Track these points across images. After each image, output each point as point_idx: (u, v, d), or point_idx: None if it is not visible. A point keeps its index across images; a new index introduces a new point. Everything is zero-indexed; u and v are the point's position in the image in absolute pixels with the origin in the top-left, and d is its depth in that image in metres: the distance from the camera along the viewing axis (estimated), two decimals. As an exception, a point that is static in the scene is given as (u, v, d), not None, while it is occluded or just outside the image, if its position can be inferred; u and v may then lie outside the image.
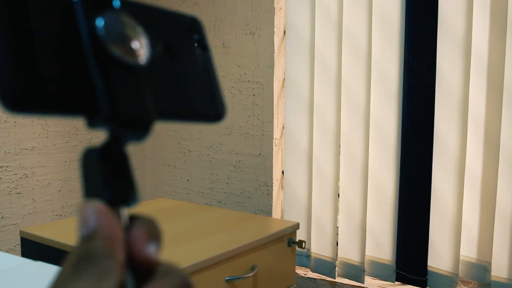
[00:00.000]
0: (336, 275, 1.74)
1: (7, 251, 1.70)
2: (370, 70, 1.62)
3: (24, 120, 1.72)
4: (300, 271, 1.83)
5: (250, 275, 1.28)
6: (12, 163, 1.70)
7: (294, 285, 1.49)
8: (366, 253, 1.68)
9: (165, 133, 2.12)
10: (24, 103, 0.21)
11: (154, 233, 0.24)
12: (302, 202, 1.80)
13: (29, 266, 0.84)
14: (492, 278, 1.47)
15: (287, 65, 1.80)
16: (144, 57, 0.25)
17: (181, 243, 1.26)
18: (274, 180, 1.83)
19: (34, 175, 1.77)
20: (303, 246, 1.52)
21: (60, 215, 1.86)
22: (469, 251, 1.52)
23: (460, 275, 1.54)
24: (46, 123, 1.79)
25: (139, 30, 0.26)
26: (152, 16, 0.27)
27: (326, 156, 1.73)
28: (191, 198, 2.05)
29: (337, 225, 1.74)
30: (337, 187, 1.73)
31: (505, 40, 1.40)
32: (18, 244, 1.70)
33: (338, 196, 1.73)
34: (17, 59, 0.21)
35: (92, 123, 0.24)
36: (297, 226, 1.49)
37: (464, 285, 1.57)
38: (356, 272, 1.69)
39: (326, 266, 1.75)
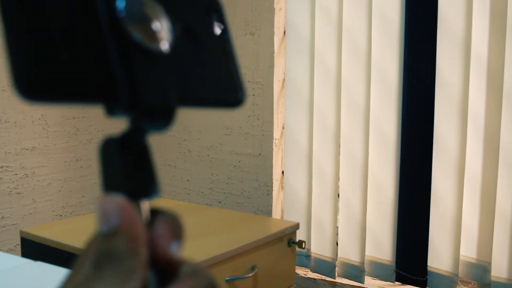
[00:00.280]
0: (336, 275, 1.74)
1: (7, 251, 1.70)
2: (370, 70, 1.62)
3: (25, 120, 1.72)
4: (300, 271, 1.83)
5: (250, 275, 1.28)
6: (13, 163, 1.70)
7: (294, 285, 1.49)
8: (366, 253, 1.68)
9: (165, 133, 2.12)
10: (40, 90, 0.20)
11: (177, 231, 0.24)
12: (302, 202, 1.80)
13: (29, 266, 0.84)
14: (492, 278, 1.47)
15: (287, 65, 1.80)
16: (165, 40, 0.24)
17: (181, 243, 1.26)
18: (274, 180, 1.83)
19: (34, 175, 1.77)
20: (303, 246, 1.52)
21: (60, 215, 1.86)
22: (469, 251, 1.52)
23: (460, 275, 1.54)
24: (46, 123, 1.79)
25: (161, 12, 0.24)
26: None
27: (326, 156, 1.73)
28: (191, 198, 2.05)
29: (337, 225, 1.74)
30: (337, 187, 1.73)
31: (505, 41, 1.40)
32: (18, 244, 1.70)
33: (338, 196, 1.73)
34: (32, 44, 0.20)
35: (111, 112, 0.23)
36: (297, 226, 1.49)
37: (464, 285, 1.57)
38: (356, 272, 1.69)
39: (326, 266, 1.75)
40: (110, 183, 0.23)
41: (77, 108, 1.87)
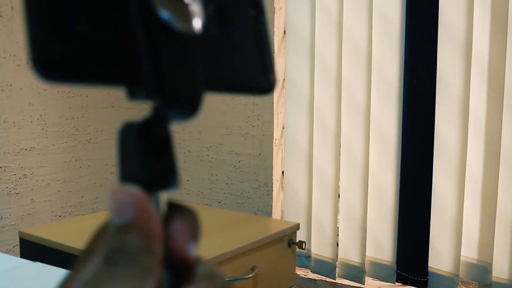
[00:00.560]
0: (336, 276, 1.74)
1: (6, 252, 1.69)
2: (370, 70, 1.61)
3: (23, 120, 1.72)
4: (300, 272, 1.82)
5: (250, 276, 1.27)
6: (11, 164, 1.70)
7: (294, 286, 1.49)
8: (367, 253, 1.67)
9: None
10: (59, 70, 0.19)
11: (195, 228, 0.22)
12: (302, 202, 1.80)
13: (28, 267, 0.83)
14: (493, 279, 1.47)
15: (287, 65, 1.80)
16: (196, 22, 0.22)
17: (181, 243, 1.26)
18: (274, 181, 1.83)
19: (33, 175, 1.76)
20: (303, 247, 1.52)
21: (59, 216, 1.86)
22: (469, 252, 1.52)
23: (461, 276, 1.54)
24: (45, 123, 1.78)
25: None
26: None
27: (326, 157, 1.73)
28: (191, 198, 2.05)
29: (337, 226, 1.74)
30: (337, 188, 1.73)
31: (506, 41, 1.39)
32: (17, 245, 1.69)
33: (338, 197, 1.73)
34: (52, 21, 0.19)
35: (133, 95, 0.21)
36: (297, 226, 1.49)
37: (465, 286, 1.57)
38: (356, 273, 1.69)
39: (326, 267, 1.75)
40: (127, 171, 0.21)
41: (76, 108, 1.87)
